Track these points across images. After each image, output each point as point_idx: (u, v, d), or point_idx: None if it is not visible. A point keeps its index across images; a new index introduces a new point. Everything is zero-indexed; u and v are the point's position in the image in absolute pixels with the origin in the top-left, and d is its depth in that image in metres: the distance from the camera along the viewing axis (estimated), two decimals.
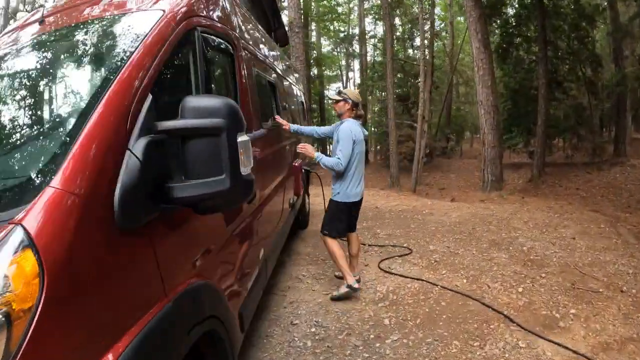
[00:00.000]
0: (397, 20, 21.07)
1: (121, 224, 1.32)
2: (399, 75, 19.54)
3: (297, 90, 6.77)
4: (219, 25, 2.44)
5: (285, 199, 4.53)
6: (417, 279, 4.46)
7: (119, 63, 1.64)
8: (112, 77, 1.55)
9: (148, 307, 1.44)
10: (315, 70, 26.76)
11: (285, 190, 4.52)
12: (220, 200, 1.59)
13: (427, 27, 17.01)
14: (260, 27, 4.11)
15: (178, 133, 1.53)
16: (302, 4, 13.26)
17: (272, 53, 4.56)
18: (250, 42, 3.33)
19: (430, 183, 16.33)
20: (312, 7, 24.29)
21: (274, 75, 4.31)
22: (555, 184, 13.30)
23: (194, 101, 1.56)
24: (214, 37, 2.34)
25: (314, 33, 28.18)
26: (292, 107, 5.83)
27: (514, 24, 16.37)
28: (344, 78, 35.17)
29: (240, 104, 2.64)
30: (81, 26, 2.11)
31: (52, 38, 2.14)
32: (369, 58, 25.91)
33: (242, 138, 1.61)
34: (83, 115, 1.43)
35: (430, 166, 18.95)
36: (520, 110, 16.66)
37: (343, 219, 4.15)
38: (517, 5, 16.12)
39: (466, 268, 4.80)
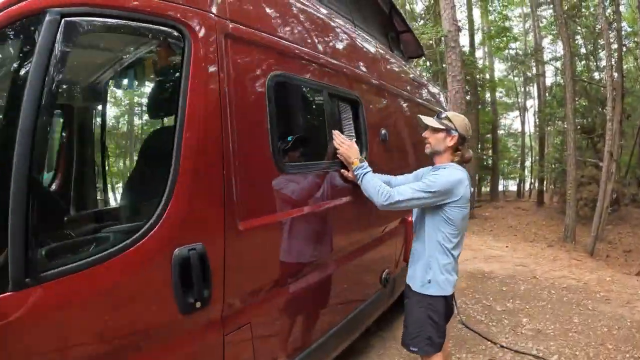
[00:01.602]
0: (579, 39, 17.26)
1: None
2: (582, 102, 15.87)
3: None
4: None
5: (365, 277, 3.11)
6: None
7: None
8: None
9: None
10: (488, 96, 24.01)
11: (367, 262, 3.11)
12: None
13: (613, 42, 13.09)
14: (322, 13, 2.73)
15: None
16: (455, 14, 11.41)
17: (360, 57, 3.15)
18: (274, 30, 2.10)
19: (614, 241, 12.44)
20: (482, 26, 21.78)
21: (357, 90, 2.90)
22: None
23: None
24: (112, 21, 1.40)
25: (480, 52, 25.55)
26: (411, 140, 4.12)
27: None
28: (522, 105, 31.24)
29: (180, 136, 1.52)
30: None
31: None
32: (548, 81, 22.15)
33: None
34: None
35: (616, 217, 14.61)
36: None
37: (440, 320, 2.45)
38: None
39: None
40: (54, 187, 2.18)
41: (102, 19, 1.38)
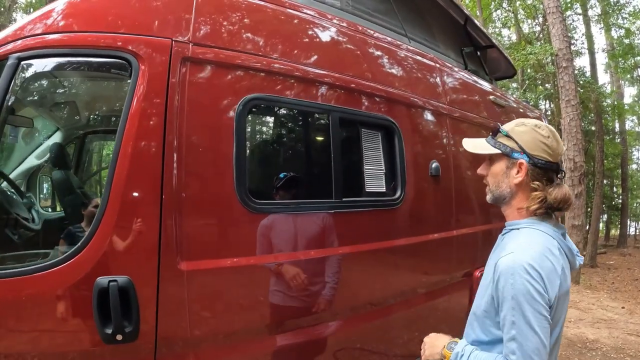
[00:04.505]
0: None
1: None
2: None
3: None
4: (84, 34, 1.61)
5: (392, 342, 2.47)
6: None
7: None
8: None
9: None
10: (617, 125, 21.21)
11: (395, 324, 2.48)
12: None
13: None
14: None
15: None
16: (565, 30, 10.04)
17: (403, 74, 2.60)
18: (258, 47, 1.87)
19: None
20: (605, 45, 19.26)
21: (392, 114, 2.38)
22: None
23: None
24: (63, 60, 1.73)
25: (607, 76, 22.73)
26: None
27: None
28: None
29: (112, 168, 1.54)
30: None
31: None
32: None
33: None
34: None
35: None
36: None
37: None
38: None
39: None
40: None
41: (54, 59, 1.68)
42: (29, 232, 2.39)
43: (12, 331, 1.49)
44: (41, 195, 3.28)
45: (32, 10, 17.39)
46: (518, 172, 1.39)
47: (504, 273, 1.28)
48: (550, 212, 1.39)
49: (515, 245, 1.34)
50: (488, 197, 1.53)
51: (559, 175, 1.42)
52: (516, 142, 1.40)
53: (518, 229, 1.40)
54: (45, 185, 3.32)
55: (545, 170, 1.38)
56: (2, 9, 12.72)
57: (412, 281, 2.54)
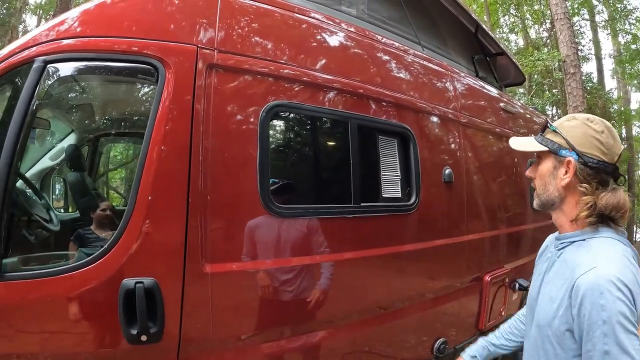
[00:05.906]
0: None
1: None
2: None
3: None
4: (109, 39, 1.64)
5: (399, 345, 2.48)
6: None
7: None
8: None
9: None
10: (623, 131, 21.09)
11: (403, 328, 2.51)
12: None
13: None
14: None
15: None
16: (573, 36, 10.04)
17: (417, 82, 2.64)
18: (279, 55, 1.91)
19: None
20: (612, 51, 19.22)
21: (407, 121, 2.42)
22: None
23: None
24: (88, 64, 1.75)
25: (614, 82, 22.65)
26: (495, 182, 3.40)
27: None
28: None
29: (139, 174, 1.57)
30: None
31: None
32: None
33: None
34: None
35: None
36: None
37: None
38: None
39: None
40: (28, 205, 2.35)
41: (81, 63, 1.70)
42: (49, 233, 2.43)
43: (33, 333, 1.51)
44: (54, 196, 3.32)
45: (40, 11, 17.51)
46: (566, 172, 1.22)
47: (589, 294, 1.08)
48: (605, 220, 1.19)
49: (590, 258, 1.14)
50: (535, 203, 1.35)
51: (617, 181, 1.22)
52: (564, 138, 1.22)
53: (584, 239, 1.21)
54: (57, 187, 3.36)
55: (598, 171, 1.18)
56: (12, 10, 12.85)
57: (423, 285, 2.56)
